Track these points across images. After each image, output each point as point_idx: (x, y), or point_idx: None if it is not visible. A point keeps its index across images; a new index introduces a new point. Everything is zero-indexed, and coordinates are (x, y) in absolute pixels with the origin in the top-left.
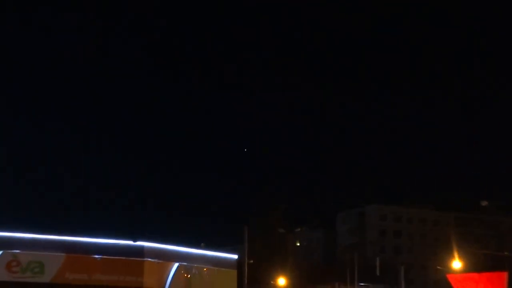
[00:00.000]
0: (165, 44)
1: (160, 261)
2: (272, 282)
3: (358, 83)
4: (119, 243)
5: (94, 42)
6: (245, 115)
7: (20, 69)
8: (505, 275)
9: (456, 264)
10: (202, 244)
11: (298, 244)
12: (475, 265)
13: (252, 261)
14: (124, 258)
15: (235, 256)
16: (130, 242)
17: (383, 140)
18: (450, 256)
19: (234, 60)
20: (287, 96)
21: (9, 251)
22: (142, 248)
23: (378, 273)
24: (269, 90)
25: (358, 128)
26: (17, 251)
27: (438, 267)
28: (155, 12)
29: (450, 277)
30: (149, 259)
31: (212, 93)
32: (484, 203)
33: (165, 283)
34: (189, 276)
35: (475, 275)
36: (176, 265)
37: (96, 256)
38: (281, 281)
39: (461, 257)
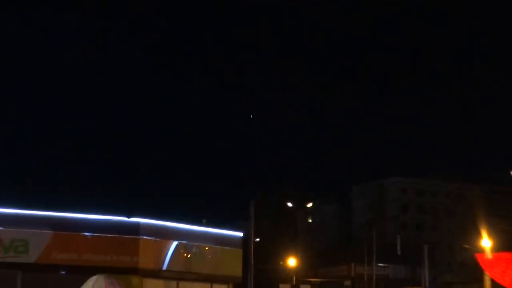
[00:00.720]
0: (164, 44)
1: (157, 239)
2: (281, 262)
3: (358, 82)
4: (111, 219)
5: (94, 42)
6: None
7: (20, 68)
8: None
9: (486, 242)
10: (204, 220)
11: (310, 221)
12: (506, 244)
13: (259, 240)
14: (117, 235)
15: (241, 234)
16: (124, 218)
17: (405, 107)
18: (479, 233)
19: (234, 60)
20: (287, 96)
21: None
22: (137, 224)
23: (399, 252)
24: (269, 90)
25: (376, 96)
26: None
27: (465, 246)
28: (155, 12)
29: (479, 256)
30: (145, 237)
31: (212, 92)
32: None
33: (163, 263)
34: (189, 255)
35: (507, 254)
36: (175, 243)
37: (87, 234)
38: (291, 261)
39: (491, 234)
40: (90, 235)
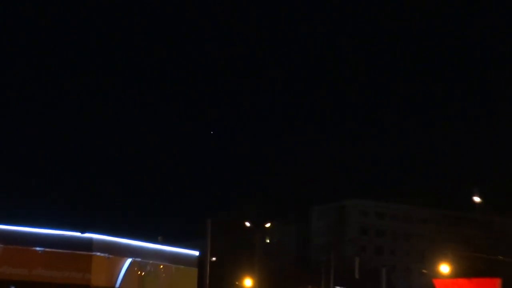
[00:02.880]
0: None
1: (110, 256)
2: (237, 283)
3: (321, 107)
4: (64, 235)
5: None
6: (216, 110)
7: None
8: (498, 281)
9: (444, 268)
10: (160, 237)
11: (268, 241)
12: (465, 270)
13: (215, 259)
14: (70, 251)
15: (196, 253)
16: (77, 234)
17: (367, 132)
18: (438, 258)
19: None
20: (261, 90)
21: None
22: (90, 240)
23: (357, 275)
24: (227, 108)
25: (338, 119)
26: None
27: (424, 271)
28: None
29: (436, 282)
30: (98, 253)
31: (169, 110)
32: (477, 200)
33: (116, 281)
34: (143, 273)
35: (464, 280)
36: (128, 260)
37: (38, 249)
38: (248, 282)
39: (449, 260)
40: (42, 250)
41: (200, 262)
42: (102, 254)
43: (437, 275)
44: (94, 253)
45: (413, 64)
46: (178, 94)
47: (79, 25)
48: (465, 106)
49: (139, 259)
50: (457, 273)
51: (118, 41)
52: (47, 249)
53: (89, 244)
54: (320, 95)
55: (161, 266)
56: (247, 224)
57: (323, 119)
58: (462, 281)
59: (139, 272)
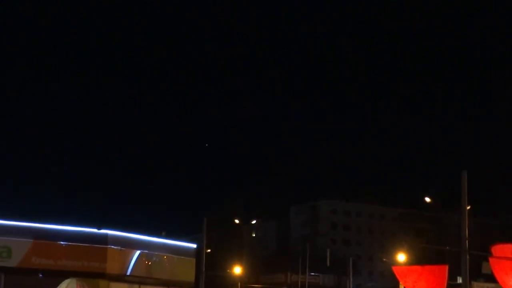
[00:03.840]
0: (163, 45)
1: (123, 248)
2: (228, 270)
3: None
4: (84, 231)
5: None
6: (200, 114)
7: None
8: (445, 268)
9: (401, 256)
10: (163, 233)
11: (254, 235)
12: (418, 258)
13: (210, 250)
14: (88, 245)
15: (194, 245)
16: (95, 230)
17: (337, 137)
18: (395, 249)
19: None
20: (240, 90)
21: None
22: (106, 236)
23: (328, 264)
24: (216, 114)
25: (313, 124)
26: None
27: (384, 259)
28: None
29: (395, 269)
30: (112, 247)
31: (172, 109)
32: (428, 199)
33: (127, 269)
34: (150, 263)
35: (418, 267)
36: (138, 252)
37: (62, 243)
38: (237, 269)
39: (405, 250)
40: (65, 243)
41: (197, 253)
42: (116, 247)
43: (395, 263)
44: (109, 246)
45: (413, 64)
46: (178, 94)
47: (79, 25)
48: (465, 106)
49: (146, 251)
50: (412, 261)
51: (118, 41)
52: (69, 243)
53: (104, 239)
54: (321, 95)
55: (165, 257)
56: (237, 221)
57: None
58: (416, 268)
59: (146, 262)
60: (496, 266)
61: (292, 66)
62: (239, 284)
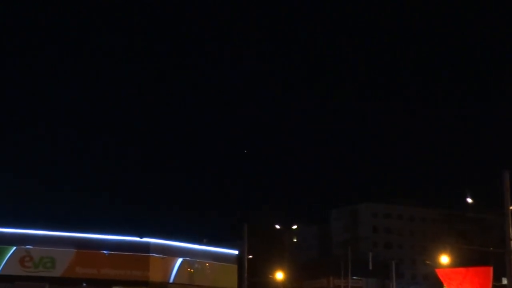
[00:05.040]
0: (162, 45)
1: (165, 256)
2: (270, 276)
3: (350, 82)
4: (126, 240)
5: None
6: (244, 116)
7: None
8: (490, 269)
9: (444, 259)
10: (204, 240)
11: (295, 240)
12: (461, 260)
13: (251, 256)
14: (131, 253)
15: (236, 252)
16: (137, 239)
17: (375, 140)
18: (438, 251)
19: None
20: (284, 96)
21: (22, 247)
22: (148, 244)
23: (370, 267)
24: (266, 90)
25: (351, 128)
26: (30, 246)
27: (427, 262)
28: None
29: (438, 271)
30: (155, 255)
31: (209, 120)
32: (470, 200)
33: (170, 277)
34: (192, 270)
35: (462, 269)
36: (180, 260)
37: (105, 252)
38: (279, 275)
39: (448, 252)
40: (108, 253)
41: (239, 259)
42: (158, 255)
43: (439, 265)
44: (151, 254)
45: (413, 64)
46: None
47: (79, 25)
48: (465, 105)
49: (188, 258)
50: (455, 263)
51: (118, 41)
52: (112, 252)
53: (146, 247)
54: (323, 95)
55: (207, 264)
56: (277, 226)
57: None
58: (460, 270)
59: (189, 269)
60: None
61: (292, 66)
62: None
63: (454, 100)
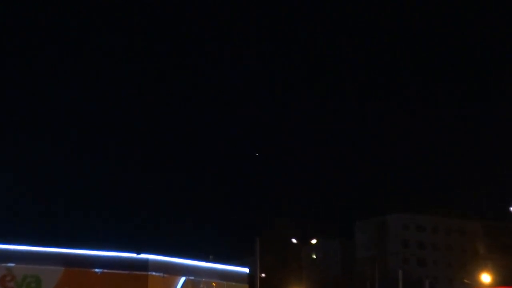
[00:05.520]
0: (164, 46)
1: (165, 275)
2: None
3: (350, 82)
4: (121, 256)
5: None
6: (254, 121)
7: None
8: None
9: (485, 277)
10: (211, 256)
11: (314, 256)
12: (506, 279)
13: (264, 275)
14: (127, 272)
15: (246, 270)
16: (133, 255)
17: (405, 144)
18: (478, 268)
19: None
20: (284, 96)
21: (3, 264)
22: (146, 261)
23: (400, 287)
24: (266, 90)
25: (377, 132)
26: (12, 264)
27: (466, 281)
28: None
29: None
30: (154, 273)
31: (216, 128)
32: None
33: None
34: None
35: None
36: (182, 279)
37: (97, 270)
38: None
39: (490, 269)
40: (100, 271)
41: (250, 278)
42: (158, 274)
43: (479, 284)
44: (150, 272)
45: (413, 64)
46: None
47: (79, 25)
48: (465, 105)
49: (192, 278)
50: (499, 282)
51: (118, 41)
52: (105, 270)
53: (145, 264)
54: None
55: (214, 284)
56: (294, 240)
57: (364, 139)
58: None
59: None
60: None
61: (292, 66)
62: None
63: (454, 100)
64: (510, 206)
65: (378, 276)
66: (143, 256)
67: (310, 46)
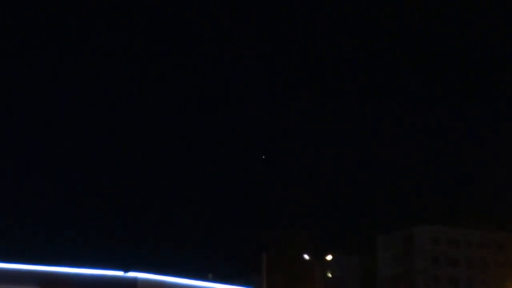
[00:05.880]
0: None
1: None
2: None
3: (350, 82)
4: (106, 275)
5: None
6: (244, 116)
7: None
8: None
9: None
10: (210, 275)
11: (330, 275)
12: None
13: None
14: None
15: None
16: (121, 273)
17: (435, 149)
18: None
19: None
20: (284, 96)
21: None
22: (135, 280)
23: None
24: (266, 90)
25: (403, 136)
26: None
27: None
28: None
29: None
30: None
31: (218, 138)
32: None
33: None
34: None
35: None
36: None
37: None
38: None
39: None
40: None
41: None
42: None
43: None
44: None
45: (413, 64)
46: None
47: (79, 25)
48: (465, 105)
49: None
50: None
51: (118, 41)
52: None
53: (133, 284)
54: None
55: None
56: (307, 257)
57: (386, 144)
58: None
59: None
60: None
61: (292, 66)
62: None
63: (454, 100)
64: None
65: None
66: (132, 274)
67: (310, 46)
